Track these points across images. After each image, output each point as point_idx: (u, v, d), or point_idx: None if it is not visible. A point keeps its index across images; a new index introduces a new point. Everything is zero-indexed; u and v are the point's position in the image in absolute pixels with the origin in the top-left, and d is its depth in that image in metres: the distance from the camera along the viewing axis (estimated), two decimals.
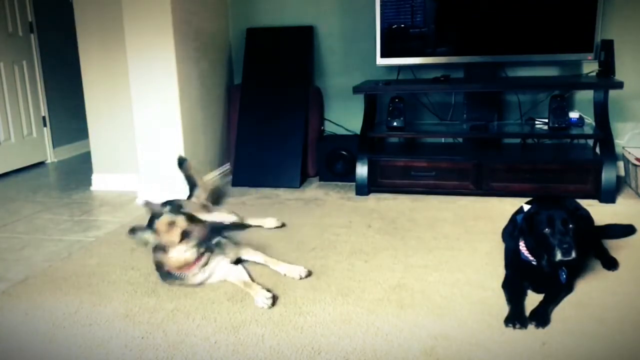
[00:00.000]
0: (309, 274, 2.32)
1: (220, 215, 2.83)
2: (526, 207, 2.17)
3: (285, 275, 2.30)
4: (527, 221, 2.05)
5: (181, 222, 2.19)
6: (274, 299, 2.09)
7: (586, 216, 2.35)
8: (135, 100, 3.49)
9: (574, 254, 1.92)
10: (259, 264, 2.40)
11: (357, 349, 1.75)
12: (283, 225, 2.95)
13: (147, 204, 2.84)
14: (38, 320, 2.02)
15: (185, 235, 2.16)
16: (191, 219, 2.23)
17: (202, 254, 2.22)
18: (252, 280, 2.25)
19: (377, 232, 2.81)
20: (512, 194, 3.23)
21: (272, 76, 3.95)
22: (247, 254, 2.45)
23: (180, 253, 2.17)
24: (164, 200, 2.94)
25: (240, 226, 2.88)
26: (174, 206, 2.49)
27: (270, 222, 2.96)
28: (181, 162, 3.18)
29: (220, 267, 2.29)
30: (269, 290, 2.12)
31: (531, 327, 1.83)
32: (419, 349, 1.73)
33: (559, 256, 1.93)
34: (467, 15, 3.57)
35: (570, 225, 1.96)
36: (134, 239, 2.20)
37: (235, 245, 2.48)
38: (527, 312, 1.91)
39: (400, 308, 2.01)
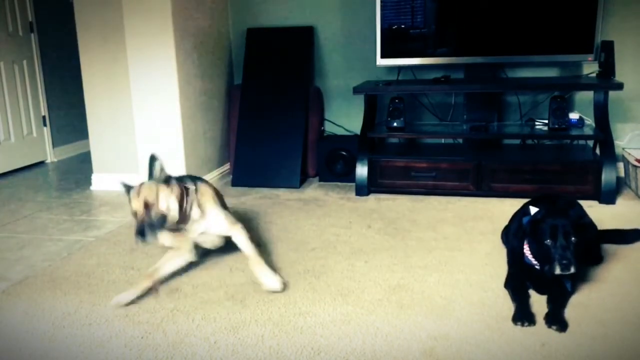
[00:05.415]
0: (285, 286, 2.18)
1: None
2: (533, 210, 2.14)
3: (262, 285, 2.16)
4: (532, 227, 2.03)
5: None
6: None
7: (589, 224, 2.30)
8: (136, 100, 3.49)
9: (572, 269, 1.92)
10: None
11: (357, 349, 1.75)
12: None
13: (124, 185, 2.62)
14: (38, 320, 2.02)
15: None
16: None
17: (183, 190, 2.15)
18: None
19: (377, 233, 2.81)
20: (512, 195, 3.23)
21: (272, 76, 3.95)
22: (239, 237, 2.29)
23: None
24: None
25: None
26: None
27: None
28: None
29: (217, 220, 2.26)
30: None
31: (531, 328, 1.83)
32: (418, 350, 1.74)
33: (557, 270, 1.92)
34: (467, 15, 3.57)
35: (573, 239, 1.94)
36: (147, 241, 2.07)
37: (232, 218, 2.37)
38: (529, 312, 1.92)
39: (400, 308, 2.01)
